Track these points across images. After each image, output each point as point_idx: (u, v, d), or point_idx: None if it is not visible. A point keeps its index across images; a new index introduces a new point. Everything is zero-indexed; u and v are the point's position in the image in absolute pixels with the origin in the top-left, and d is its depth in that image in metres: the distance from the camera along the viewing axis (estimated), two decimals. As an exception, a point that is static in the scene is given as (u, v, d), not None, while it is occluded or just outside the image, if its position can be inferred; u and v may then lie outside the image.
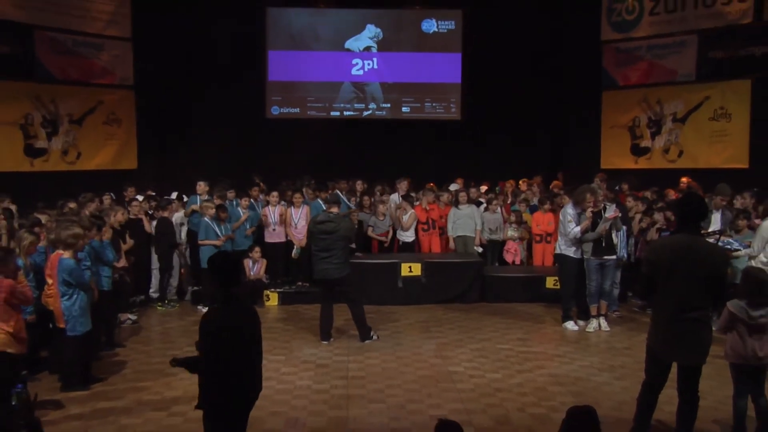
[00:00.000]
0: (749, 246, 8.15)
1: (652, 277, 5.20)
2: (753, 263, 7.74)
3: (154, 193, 11.98)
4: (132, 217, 9.95)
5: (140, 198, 11.21)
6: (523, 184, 13.15)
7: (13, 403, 3.41)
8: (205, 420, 4.34)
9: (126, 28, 13.86)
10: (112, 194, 10.94)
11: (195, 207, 10.63)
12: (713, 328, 5.32)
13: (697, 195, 6.08)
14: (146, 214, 10.50)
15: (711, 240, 7.40)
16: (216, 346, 4.21)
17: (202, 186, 11.06)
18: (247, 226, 10.76)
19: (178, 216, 10.72)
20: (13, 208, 9.57)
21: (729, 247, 7.97)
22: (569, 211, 8.94)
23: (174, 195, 11.71)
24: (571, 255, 8.96)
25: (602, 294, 8.92)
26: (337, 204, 8.85)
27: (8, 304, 6.01)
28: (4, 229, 8.39)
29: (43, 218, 8.42)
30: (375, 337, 8.49)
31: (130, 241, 9.39)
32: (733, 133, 12.86)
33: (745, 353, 5.49)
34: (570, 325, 9.02)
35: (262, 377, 4.54)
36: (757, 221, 8.45)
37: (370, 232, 11.24)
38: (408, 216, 11.20)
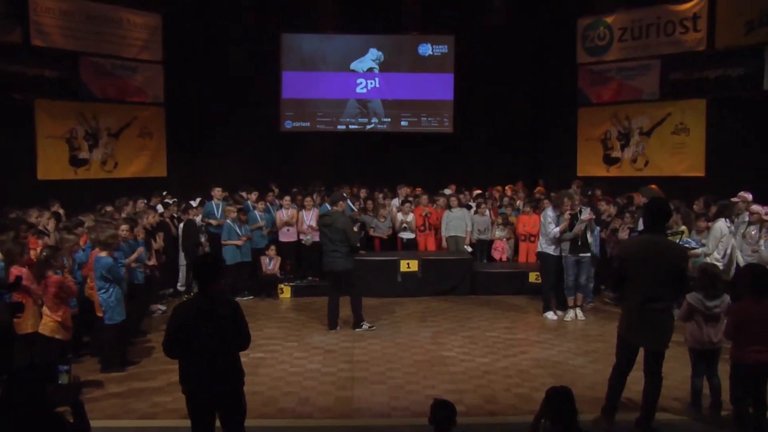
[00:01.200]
0: (704, 245, 8.18)
1: (622, 272, 5.25)
2: (708, 260, 7.77)
3: (176, 199, 11.95)
4: (163, 219, 10.00)
5: (170, 201, 11.24)
6: (508, 190, 13.17)
7: (60, 381, 3.44)
8: None
9: (157, 53, 13.91)
10: (144, 199, 10.97)
11: (215, 222, 10.57)
12: (675, 318, 5.37)
13: (662, 200, 6.09)
14: (171, 218, 10.53)
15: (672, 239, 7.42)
16: (170, 329, 4.18)
17: (218, 192, 11.03)
18: (259, 220, 10.77)
19: (199, 218, 10.74)
20: (61, 212, 9.61)
21: (687, 245, 7.98)
22: (549, 213, 8.97)
23: (198, 200, 11.72)
24: (551, 253, 8.97)
25: (578, 287, 8.95)
26: (336, 202, 8.71)
27: (57, 297, 6.08)
28: (53, 230, 8.42)
29: (87, 220, 8.46)
30: (365, 327, 8.40)
31: (160, 242, 9.41)
32: (691, 145, 12.90)
33: (701, 339, 5.56)
34: (549, 314, 9.03)
35: (230, 372, 4.24)
36: (710, 224, 8.47)
37: (372, 233, 11.28)
38: (411, 220, 11.25)
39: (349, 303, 8.56)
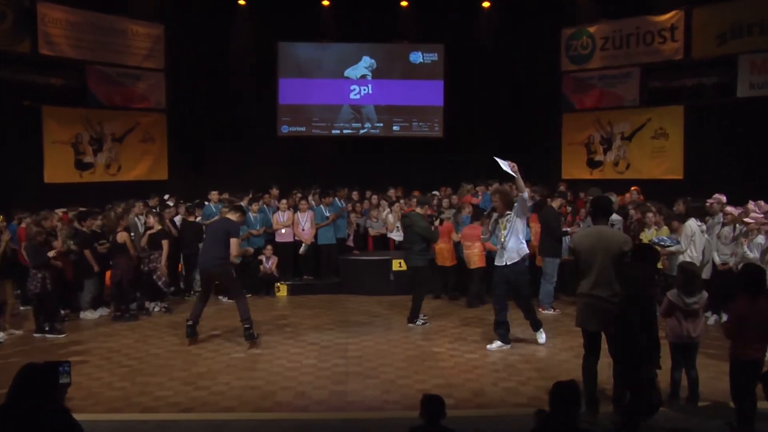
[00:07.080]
0: (678, 242, 8.20)
1: (578, 261, 5.41)
2: (683, 258, 7.77)
3: (181, 201, 11.80)
4: (166, 221, 9.91)
5: (171, 204, 11.15)
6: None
7: (62, 381, 3.38)
8: None
9: (160, 61, 13.84)
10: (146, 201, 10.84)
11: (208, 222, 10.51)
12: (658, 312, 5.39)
13: (605, 197, 6.23)
14: (171, 220, 10.41)
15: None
16: None
17: (215, 195, 11.03)
18: (258, 227, 10.73)
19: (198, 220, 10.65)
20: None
21: (663, 243, 7.96)
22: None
23: (195, 202, 11.59)
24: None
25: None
26: (423, 206, 8.74)
27: None
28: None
29: None
30: (420, 323, 8.37)
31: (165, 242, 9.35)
32: (670, 149, 12.94)
33: (681, 334, 5.57)
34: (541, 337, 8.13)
35: None
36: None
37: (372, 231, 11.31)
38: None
39: (340, 304, 8.48)
